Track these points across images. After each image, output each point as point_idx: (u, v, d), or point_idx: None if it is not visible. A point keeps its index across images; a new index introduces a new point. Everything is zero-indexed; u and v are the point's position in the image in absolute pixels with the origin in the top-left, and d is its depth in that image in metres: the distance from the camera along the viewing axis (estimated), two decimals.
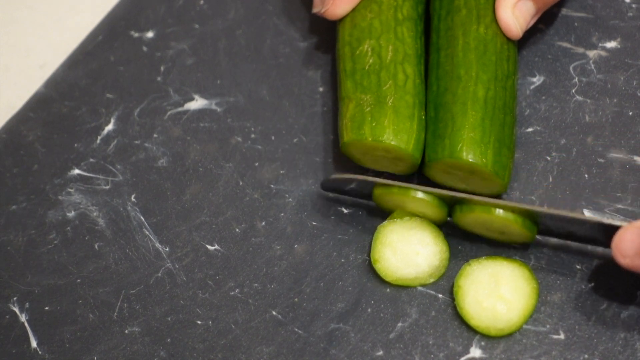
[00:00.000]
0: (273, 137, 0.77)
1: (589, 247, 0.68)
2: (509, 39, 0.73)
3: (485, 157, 0.68)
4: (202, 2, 0.86)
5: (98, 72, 0.83)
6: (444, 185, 0.71)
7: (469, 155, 0.67)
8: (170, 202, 0.75)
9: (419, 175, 0.73)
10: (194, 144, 0.78)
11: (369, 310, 0.68)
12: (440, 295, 0.68)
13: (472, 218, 0.68)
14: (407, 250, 0.69)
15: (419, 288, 0.69)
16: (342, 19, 0.76)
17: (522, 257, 0.69)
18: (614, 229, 0.63)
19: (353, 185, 0.71)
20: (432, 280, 0.69)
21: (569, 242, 0.69)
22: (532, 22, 0.75)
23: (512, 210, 0.67)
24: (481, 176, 0.69)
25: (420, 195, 0.69)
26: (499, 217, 0.67)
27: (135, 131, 0.79)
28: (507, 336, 0.66)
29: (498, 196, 0.71)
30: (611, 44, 0.77)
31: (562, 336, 0.66)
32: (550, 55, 0.78)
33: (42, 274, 0.73)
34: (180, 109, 0.80)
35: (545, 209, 0.66)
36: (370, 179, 0.70)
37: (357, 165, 0.74)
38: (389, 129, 0.69)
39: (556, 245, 0.69)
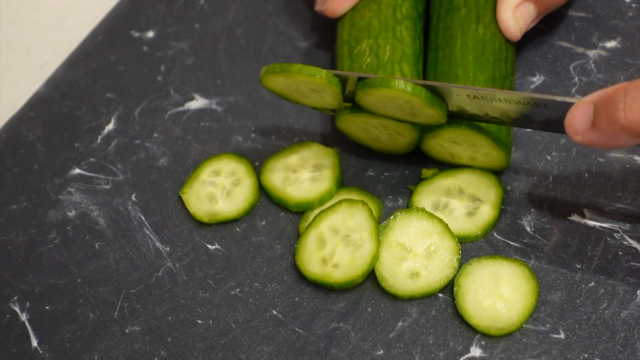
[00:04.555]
0: (273, 137, 0.77)
1: (589, 247, 0.69)
2: (507, 40, 0.73)
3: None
4: (202, 2, 0.86)
5: (98, 72, 0.83)
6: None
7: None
8: (170, 201, 0.75)
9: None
10: (195, 144, 0.78)
11: (369, 309, 0.68)
12: (440, 295, 0.68)
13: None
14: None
15: None
16: (341, 18, 0.76)
17: (522, 256, 0.69)
18: (566, 106, 0.63)
19: None
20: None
21: (568, 241, 0.69)
22: (532, 25, 0.75)
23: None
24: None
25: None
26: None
27: (135, 131, 0.79)
28: (507, 335, 0.66)
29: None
30: (611, 44, 0.77)
31: (562, 335, 0.66)
32: (550, 55, 0.78)
33: (43, 273, 0.73)
34: (180, 109, 0.80)
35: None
36: None
37: (355, 156, 0.74)
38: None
39: (556, 245, 0.69)
